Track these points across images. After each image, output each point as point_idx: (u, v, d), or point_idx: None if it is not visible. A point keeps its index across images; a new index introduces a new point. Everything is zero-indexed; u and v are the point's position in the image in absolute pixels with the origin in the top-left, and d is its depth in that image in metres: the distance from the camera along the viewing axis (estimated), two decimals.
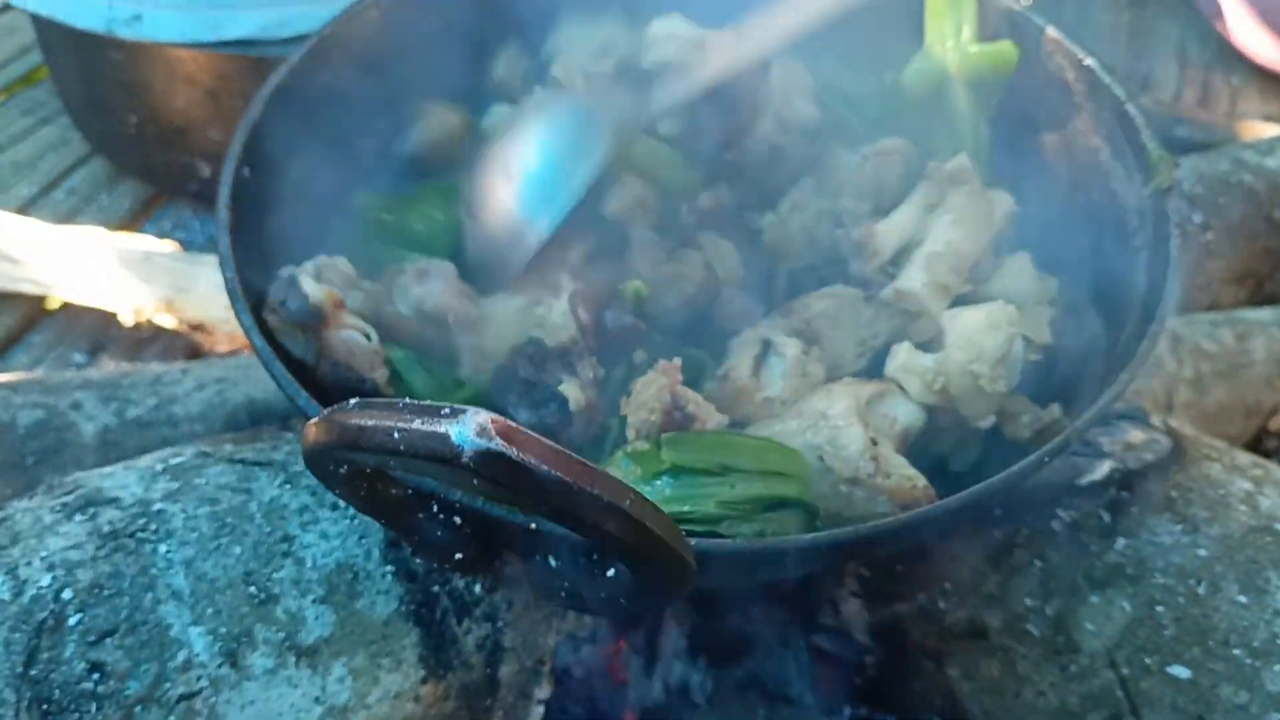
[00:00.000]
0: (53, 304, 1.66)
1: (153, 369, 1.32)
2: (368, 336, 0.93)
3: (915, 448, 0.93)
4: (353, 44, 1.13)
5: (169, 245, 1.62)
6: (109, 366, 1.61)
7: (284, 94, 1.06)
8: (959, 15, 1.11)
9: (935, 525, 0.84)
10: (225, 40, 1.54)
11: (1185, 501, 0.99)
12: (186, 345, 1.61)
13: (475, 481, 0.63)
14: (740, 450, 0.87)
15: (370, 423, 0.63)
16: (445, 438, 0.60)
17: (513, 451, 0.61)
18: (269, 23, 1.55)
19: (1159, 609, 0.93)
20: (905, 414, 0.93)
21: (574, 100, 1.10)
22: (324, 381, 0.91)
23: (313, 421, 0.67)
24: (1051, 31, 1.09)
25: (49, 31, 1.72)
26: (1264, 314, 1.45)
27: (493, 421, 0.62)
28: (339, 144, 1.13)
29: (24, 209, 1.79)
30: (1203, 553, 0.95)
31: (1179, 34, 2.21)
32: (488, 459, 0.60)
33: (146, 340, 1.63)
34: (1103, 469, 1.01)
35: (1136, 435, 1.04)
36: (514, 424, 0.62)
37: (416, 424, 0.62)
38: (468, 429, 0.61)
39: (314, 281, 0.92)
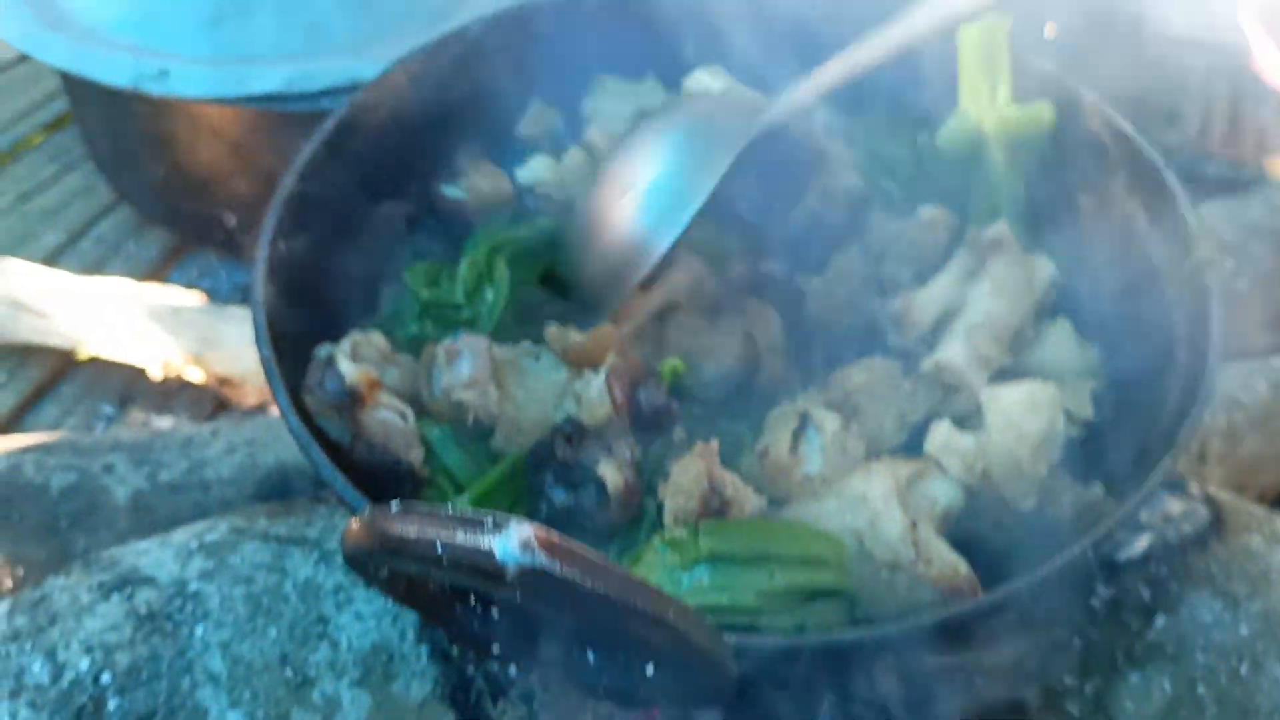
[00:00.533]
0: (81, 356, 1.67)
1: (183, 430, 1.32)
2: (404, 417, 0.93)
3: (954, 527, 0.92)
4: (383, 109, 1.13)
5: (196, 296, 1.63)
6: (138, 420, 1.62)
7: (316, 164, 1.06)
8: (994, 75, 1.10)
9: (979, 617, 0.83)
10: (251, 95, 1.55)
11: (1225, 576, 0.98)
12: (214, 399, 1.61)
13: (518, 595, 0.63)
14: (779, 537, 0.87)
15: (413, 534, 0.63)
16: (490, 555, 0.60)
17: (556, 568, 0.61)
18: (294, 77, 1.56)
19: (1200, 689, 0.92)
20: (945, 495, 0.92)
21: (693, 111, 1.10)
22: (359, 462, 0.91)
23: (354, 523, 0.67)
24: (1089, 96, 1.08)
25: (75, 83, 1.73)
26: None
27: (536, 536, 0.61)
28: (373, 209, 1.13)
29: (52, 257, 1.80)
30: (1244, 630, 0.94)
31: (1205, 68, 2.19)
32: (532, 576, 0.60)
33: (174, 393, 1.64)
34: (1141, 544, 1.00)
35: (1175, 506, 1.03)
36: (555, 537, 0.62)
37: (460, 537, 0.61)
38: (511, 544, 0.61)
39: (350, 362, 0.92)
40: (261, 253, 0.97)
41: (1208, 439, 1.38)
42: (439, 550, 0.61)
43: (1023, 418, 0.90)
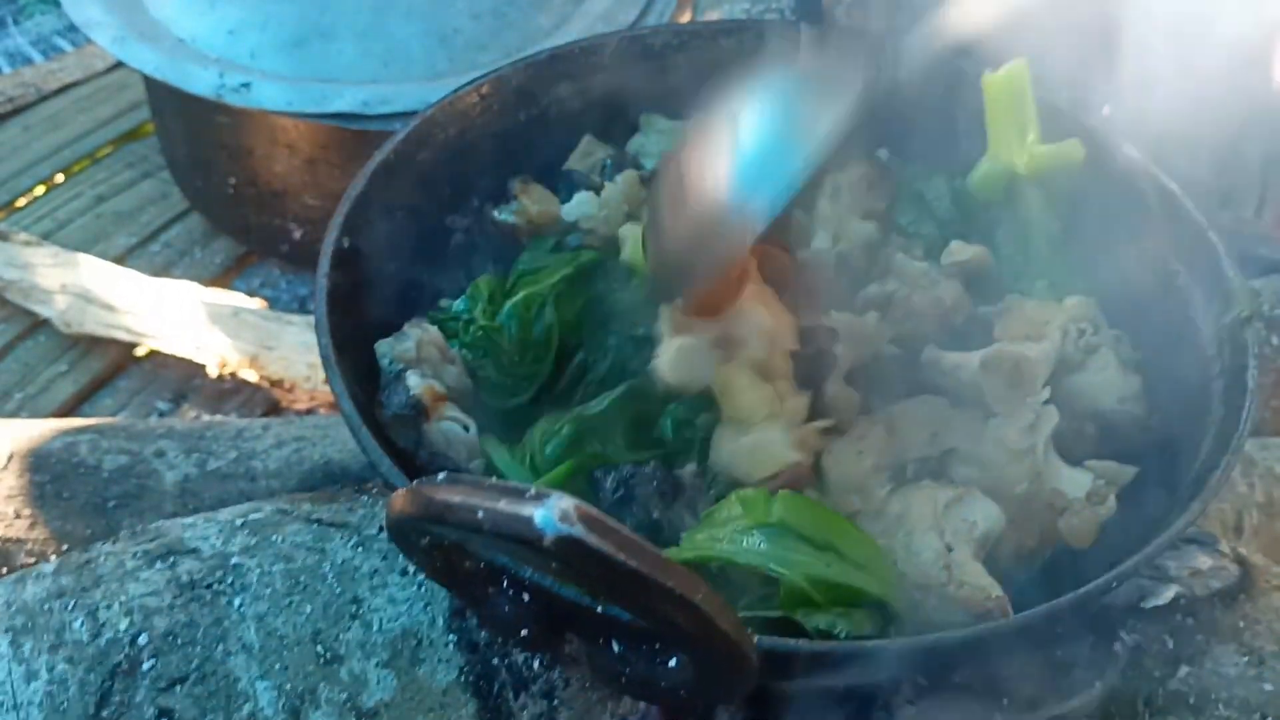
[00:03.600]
0: (141, 351, 1.72)
1: (235, 423, 1.36)
2: (466, 428, 0.96)
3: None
4: (452, 126, 1.18)
5: (256, 302, 1.68)
6: (190, 416, 1.67)
7: (387, 170, 1.10)
8: (1022, 119, 1.12)
9: (1003, 640, 0.84)
10: (328, 113, 1.62)
11: (1252, 633, 0.98)
12: (266, 400, 1.66)
13: (553, 565, 0.65)
14: (846, 532, 0.88)
15: (457, 499, 0.66)
16: (529, 521, 0.62)
17: (592, 539, 0.63)
18: (371, 99, 1.62)
19: None
20: (985, 518, 0.93)
21: (801, 65, 0.96)
22: (423, 470, 0.94)
23: (400, 492, 0.70)
24: (1128, 148, 1.10)
25: (158, 92, 1.81)
26: None
27: (576, 508, 0.64)
28: (435, 218, 1.17)
29: (121, 258, 1.87)
30: (1268, 687, 0.94)
31: (1263, 150, 2.21)
32: (568, 544, 0.62)
33: (229, 392, 1.69)
34: (1168, 594, 1.00)
35: (1204, 561, 1.03)
36: (594, 512, 0.64)
37: (502, 504, 0.64)
38: (551, 513, 0.63)
39: (418, 376, 0.95)
40: (328, 246, 1.01)
41: (1245, 510, 1.38)
42: (480, 516, 0.64)
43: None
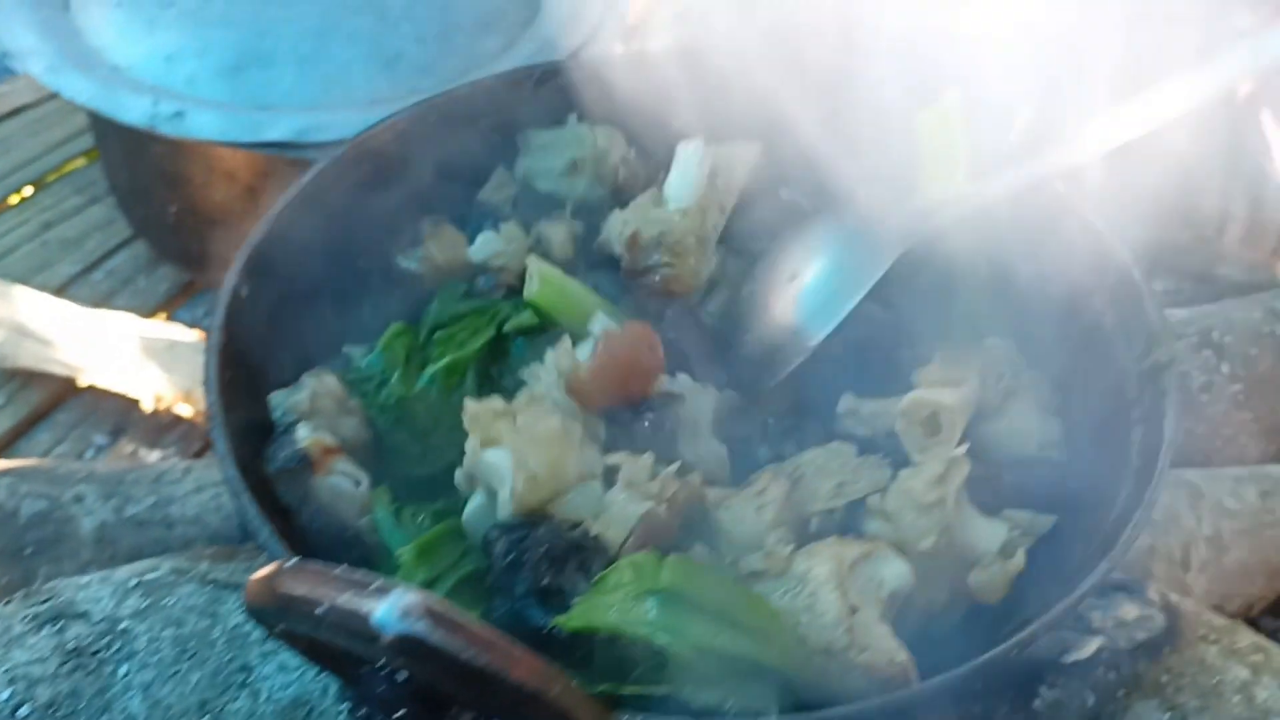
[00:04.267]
0: (80, 384, 1.70)
1: (157, 466, 1.34)
2: (356, 482, 0.93)
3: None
4: (362, 167, 1.15)
5: (194, 335, 1.65)
6: (127, 451, 1.64)
7: (291, 214, 1.08)
8: (952, 157, 1.09)
9: (911, 709, 0.81)
10: (263, 141, 1.58)
11: (1176, 688, 0.95)
12: (204, 435, 1.63)
13: (400, 661, 0.62)
14: (739, 598, 0.85)
15: (299, 592, 0.63)
16: (366, 618, 0.60)
17: (435, 636, 0.60)
18: (307, 127, 1.59)
19: None
20: (893, 576, 0.90)
21: (857, 215, 1.12)
22: (306, 526, 0.91)
23: (252, 579, 0.67)
24: (1058, 186, 1.07)
25: (99, 120, 1.78)
26: None
27: (421, 603, 0.61)
28: (343, 262, 1.14)
29: (63, 287, 1.84)
30: None
31: (1225, 169, 2.18)
32: (408, 643, 0.60)
33: (167, 427, 1.66)
34: (1090, 647, 0.97)
35: (1130, 611, 1.01)
36: (442, 607, 0.62)
37: (342, 599, 0.61)
38: (393, 609, 0.61)
39: (308, 429, 0.93)
40: (223, 297, 0.99)
41: (1192, 544, 1.34)
42: (318, 613, 0.61)
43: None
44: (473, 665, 0.61)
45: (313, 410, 0.95)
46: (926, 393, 0.98)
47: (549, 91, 1.23)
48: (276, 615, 0.67)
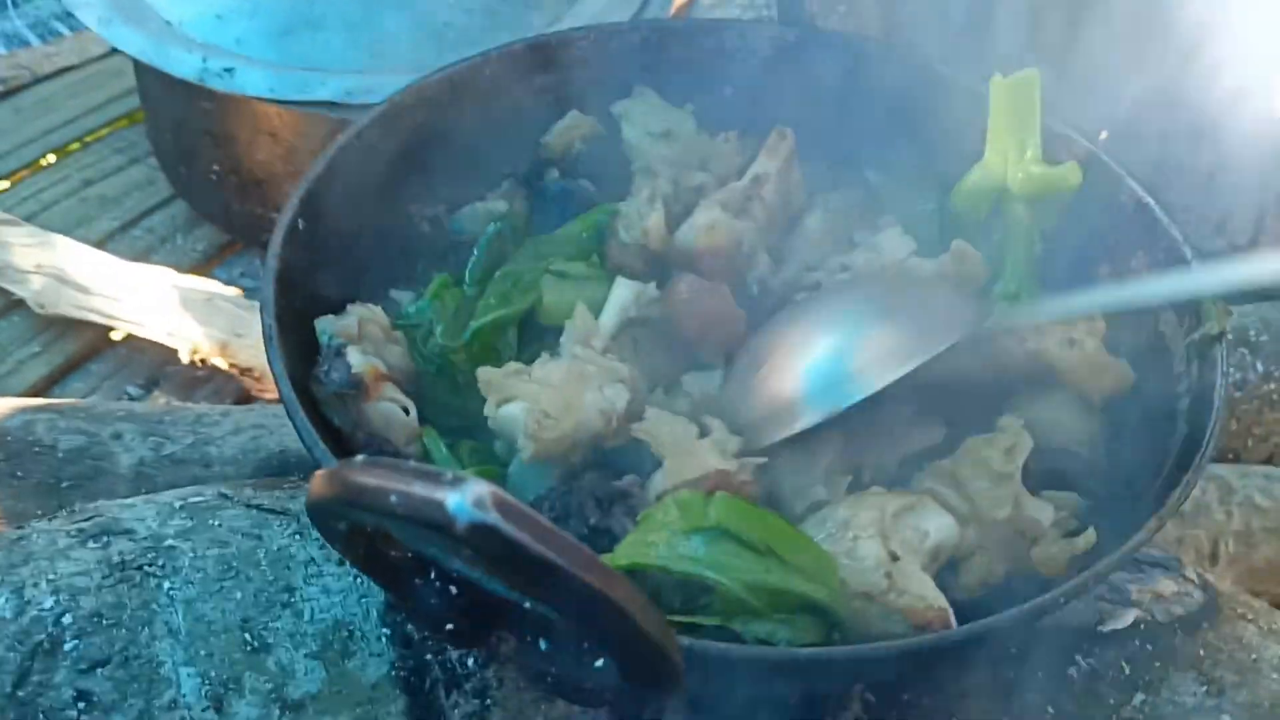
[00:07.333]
0: (117, 336, 1.71)
1: (196, 408, 1.34)
2: (406, 411, 0.94)
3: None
4: (421, 112, 1.16)
5: (233, 291, 1.66)
6: (160, 402, 1.64)
7: (348, 154, 1.09)
8: (1024, 131, 1.09)
9: (943, 653, 0.82)
10: (311, 100, 1.60)
11: (1213, 662, 0.95)
12: (237, 389, 1.64)
13: (467, 552, 0.63)
14: (787, 536, 0.86)
15: (372, 482, 0.63)
16: (441, 505, 0.60)
17: (507, 527, 0.60)
18: (355, 88, 1.60)
19: None
20: (938, 529, 0.89)
21: (914, 289, 1.04)
22: (359, 451, 0.92)
23: (318, 473, 0.68)
24: (1113, 165, 1.08)
25: (146, 76, 1.80)
26: None
27: (491, 494, 0.61)
28: (398, 206, 1.15)
29: (102, 241, 1.85)
30: (1226, 718, 0.91)
31: (1258, 177, 2.18)
32: (480, 531, 0.60)
33: (201, 379, 1.67)
34: (1127, 618, 0.97)
35: (1168, 586, 1.01)
36: (511, 499, 0.62)
37: (416, 488, 0.61)
38: (465, 499, 0.61)
39: (360, 354, 0.93)
40: (281, 225, 0.99)
41: (1221, 538, 1.34)
42: (393, 500, 0.62)
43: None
44: (542, 557, 0.61)
45: (361, 335, 0.96)
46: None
47: (605, 55, 1.24)
48: (344, 508, 0.67)
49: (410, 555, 0.76)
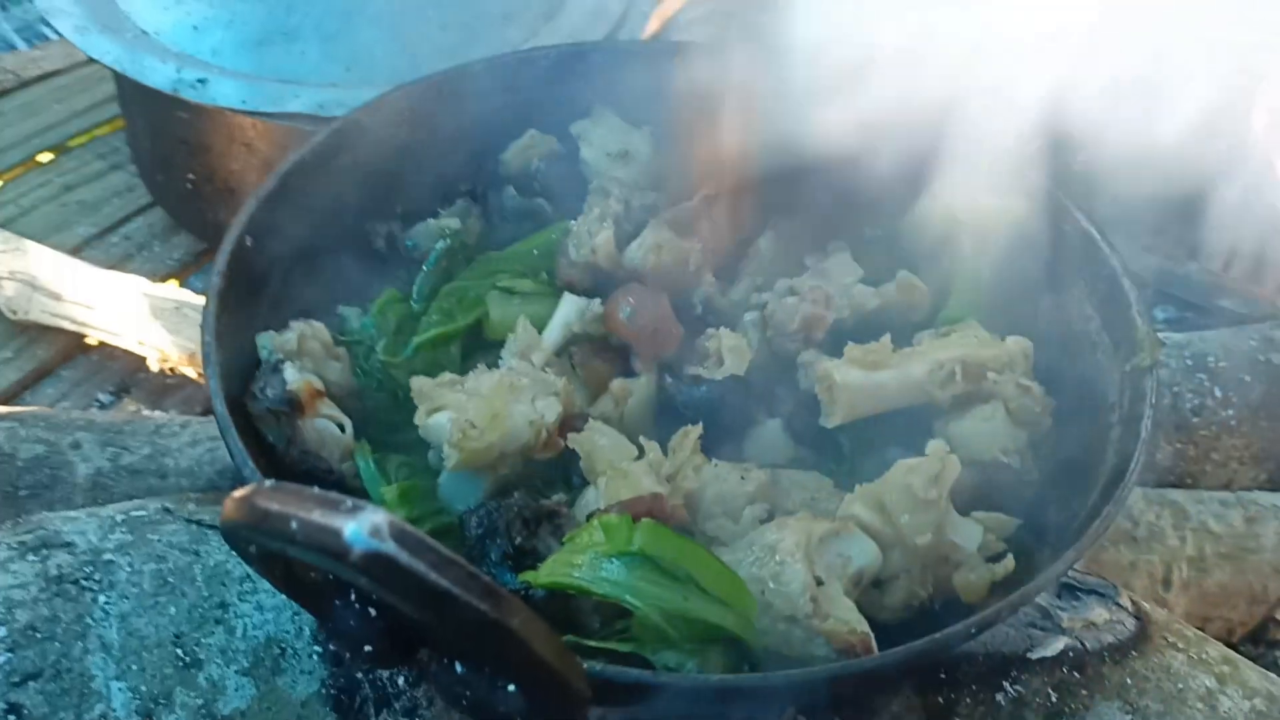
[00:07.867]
0: (92, 342, 1.72)
1: (156, 418, 1.35)
2: (341, 428, 0.95)
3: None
4: (377, 130, 1.17)
5: (201, 300, 1.67)
6: (130, 409, 1.66)
7: (301, 171, 1.10)
8: (973, 164, 1.10)
9: (863, 679, 0.82)
10: (283, 112, 1.61)
11: (1139, 691, 0.96)
12: (206, 397, 1.65)
13: (363, 581, 0.64)
14: (708, 566, 0.86)
15: (275, 507, 0.65)
16: (337, 534, 0.61)
17: (402, 555, 0.61)
18: (328, 101, 1.61)
19: None
20: (860, 554, 0.91)
21: None
22: (293, 468, 0.93)
23: (230, 496, 0.69)
24: (1059, 195, 1.09)
25: (125, 84, 1.81)
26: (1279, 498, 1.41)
27: (389, 523, 0.62)
28: (352, 225, 1.17)
29: (79, 247, 1.86)
30: None
31: (1236, 203, 2.18)
32: (375, 560, 0.61)
33: (171, 387, 1.68)
34: (1057, 645, 0.98)
35: (1100, 614, 1.01)
36: (410, 528, 0.63)
37: (315, 515, 0.63)
38: (362, 528, 0.62)
39: (296, 371, 0.94)
40: (227, 244, 1.00)
41: (1175, 564, 1.35)
42: (293, 527, 0.63)
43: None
44: (436, 586, 0.62)
45: (301, 351, 0.97)
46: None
47: (565, 75, 1.26)
48: (250, 533, 0.68)
49: (331, 576, 0.77)
